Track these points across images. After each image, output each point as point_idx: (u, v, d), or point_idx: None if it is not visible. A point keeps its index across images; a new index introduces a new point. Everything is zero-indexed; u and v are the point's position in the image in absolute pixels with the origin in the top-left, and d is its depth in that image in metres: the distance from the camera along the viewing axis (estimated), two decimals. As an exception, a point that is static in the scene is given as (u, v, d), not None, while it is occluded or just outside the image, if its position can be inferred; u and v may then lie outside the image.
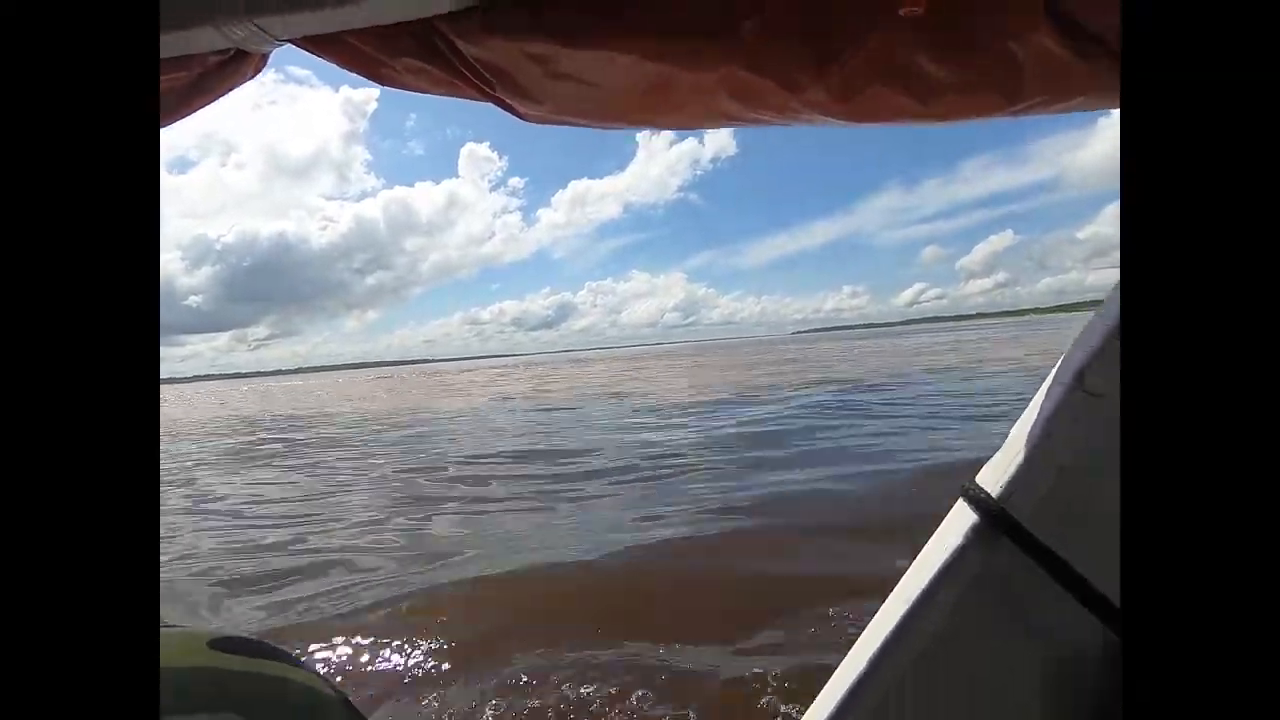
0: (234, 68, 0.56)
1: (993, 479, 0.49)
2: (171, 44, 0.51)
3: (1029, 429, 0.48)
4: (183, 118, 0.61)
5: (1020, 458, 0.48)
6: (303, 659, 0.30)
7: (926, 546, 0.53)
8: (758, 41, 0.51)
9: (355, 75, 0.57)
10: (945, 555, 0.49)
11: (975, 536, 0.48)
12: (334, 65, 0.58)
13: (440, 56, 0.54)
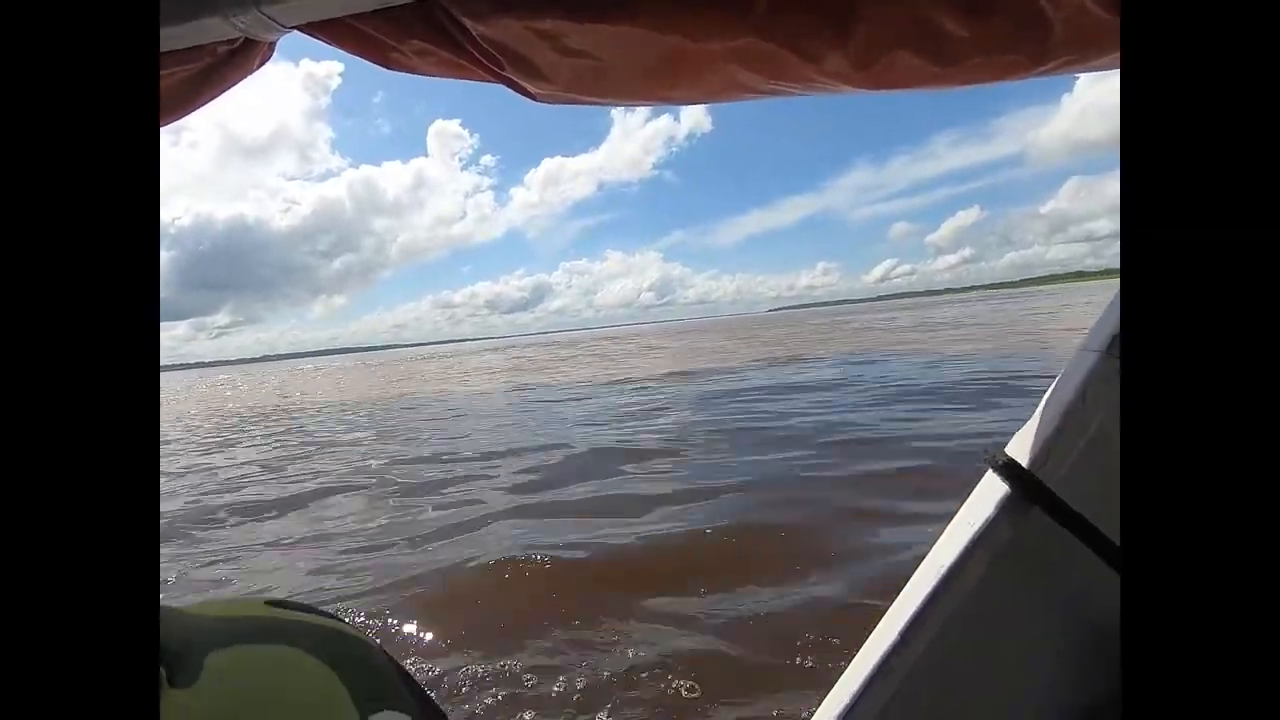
0: (241, 57, 0.56)
1: (1023, 448, 0.48)
2: (178, 35, 0.51)
3: (1060, 398, 0.48)
4: (192, 110, 0.61)
5: (1051, 427, 0.47)
6: (346, 619, 0.33)
7: (956, 517, 0.53)
8: (772, 8, 0.49)
9: (365, 60, 0.56)
10: (976, 525, 0.49)
11: (1006, 506, 0.48)
12: (341, 51, 0.57)
13: (449, 37, 0.53)
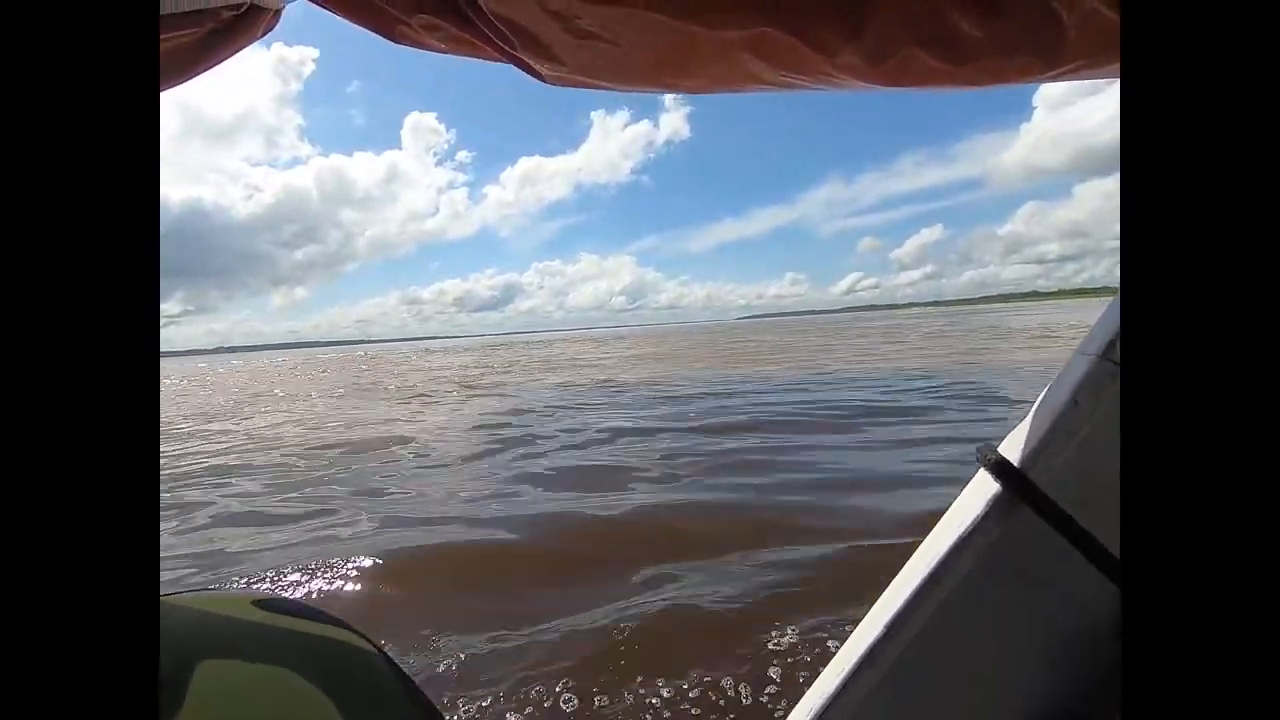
0: (246, 23, 0.54)
1: (1015, 447, 0.49)
2: None
3: (1053, 400, 0.48)
4: (190, 78, 0.59)
5: (1044, 427, 0.48)
6: (343, 619, 0.31)
7: (946, 514, 0.53)
8: None
9: (371, 32, 0.55)
10: (965, 523, 0.50)
11: (996, 504, 0.48)
12: (346, 21, 0.56)
13: (459, 13, 0.52)
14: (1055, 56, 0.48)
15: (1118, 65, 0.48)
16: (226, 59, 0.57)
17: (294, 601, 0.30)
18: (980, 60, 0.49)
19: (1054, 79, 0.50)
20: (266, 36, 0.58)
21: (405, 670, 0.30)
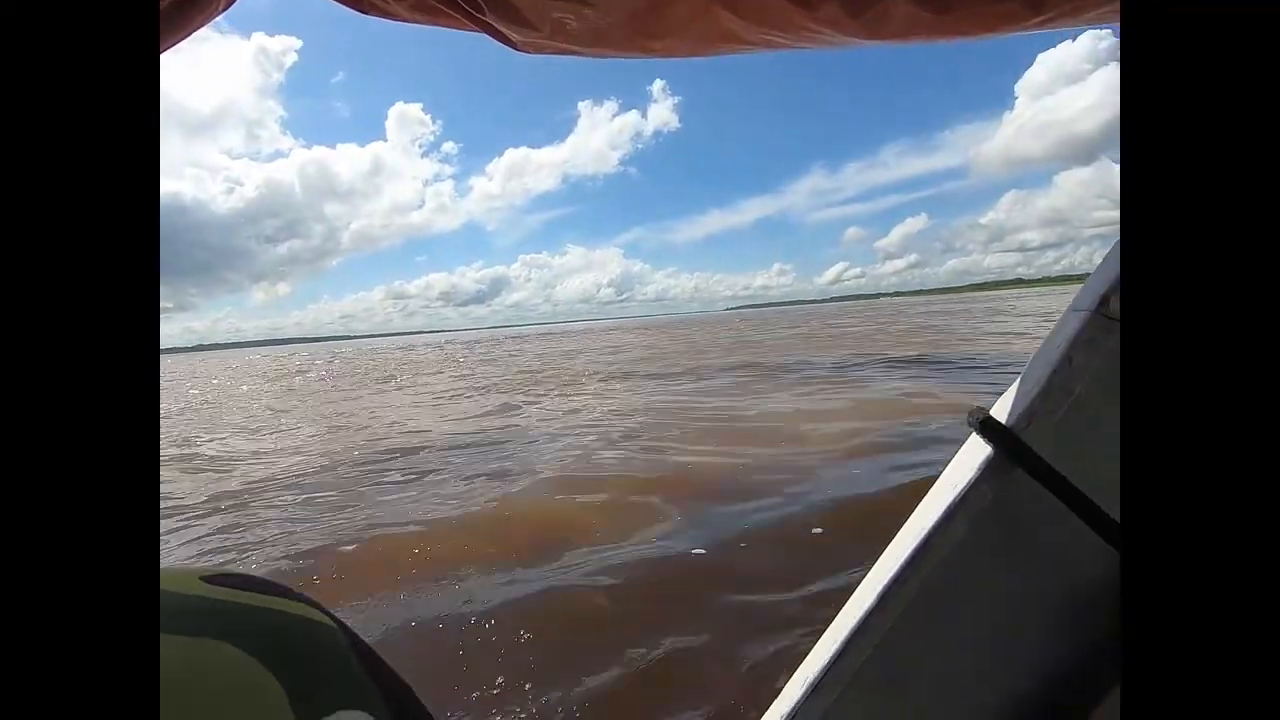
0: (202, 2, 0.52)
1: (1008, 409, 0.49)
2: None
3: (1046, 358, 0.48)
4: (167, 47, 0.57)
5: (1036, 386, 0.47)
6: (300, 591, 0.29)
7: (940, 478, 0.53)
8: None
9: (338, 3, 0.53)
10: (959, 487, 0.49)
11: (988, 468, 0.48)
12: (309, -6, 0.54)
13: None
14: (1039, 1, 0.46)
15: (1104, 8, 0.46)
16: (181, 40, 0.55)
17: (247, 576, 0.28)
18: (964, 8, 0.47)
19: (1042, 26, 0.49)
20: (228, 10, 0.55)
21: (370, 645, 0.28)
